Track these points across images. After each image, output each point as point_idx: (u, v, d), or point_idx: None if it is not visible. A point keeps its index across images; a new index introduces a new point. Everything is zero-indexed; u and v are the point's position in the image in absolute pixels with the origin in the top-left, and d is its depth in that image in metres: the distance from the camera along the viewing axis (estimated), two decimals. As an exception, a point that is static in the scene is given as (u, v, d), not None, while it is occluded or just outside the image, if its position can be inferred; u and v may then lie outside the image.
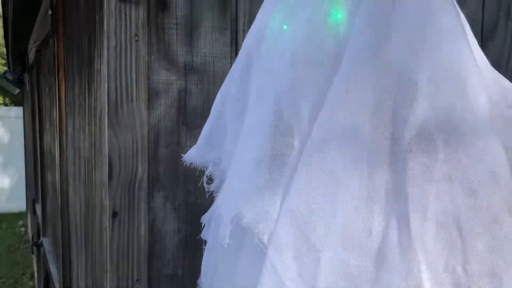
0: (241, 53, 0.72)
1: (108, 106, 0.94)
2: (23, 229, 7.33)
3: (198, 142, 0.74)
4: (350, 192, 0.57)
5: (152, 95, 0.98)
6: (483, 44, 1.39)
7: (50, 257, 2.53)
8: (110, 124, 0.94)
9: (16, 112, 8.46)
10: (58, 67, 1.82)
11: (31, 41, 3.40)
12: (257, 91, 0.66)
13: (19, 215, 8.04)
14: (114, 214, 0.95)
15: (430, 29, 0.61)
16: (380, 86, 0.59)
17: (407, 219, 0.56)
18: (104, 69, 0.95)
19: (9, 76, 5.10)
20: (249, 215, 0.59)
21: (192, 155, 0.75)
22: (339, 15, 0.60)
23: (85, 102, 1.38)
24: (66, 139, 1.80)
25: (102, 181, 1.02)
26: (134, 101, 0.96)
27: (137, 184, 0.96)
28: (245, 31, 1.07)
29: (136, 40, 0.95)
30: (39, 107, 3.01)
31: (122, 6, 0.94)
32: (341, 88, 0.58)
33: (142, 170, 0.96)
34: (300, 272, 0.57)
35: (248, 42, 0.71)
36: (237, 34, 1.06)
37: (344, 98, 0.58)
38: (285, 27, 0.63)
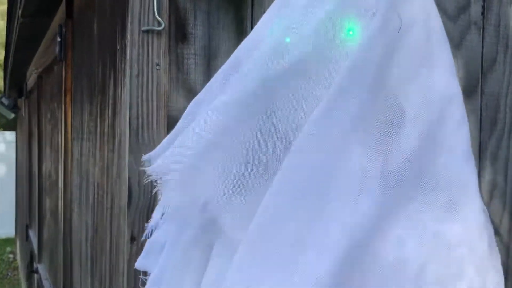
0: (226, 63, 0.74)
1: (129, 132, 0.96)
2: (11, 255, 7.20)
3: None
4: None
5: (170, 122, 1.01)
6: (483, 76, 1.44)
7: (46, 284, 2.50)
8: (131, 151, 0.96)
9: (8, 137, 8.42)
10: (65, 93, 1.84)
11: (31, 67, 3.43)
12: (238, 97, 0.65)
13: (7, 241, 7.90)
14: (132, 239, 0.96)
15: (425, 63, 0.64)
16: (371, 109, 0.60)
17: None
18: (126, 96, 0.98)
19: (5, 101, 5.10)
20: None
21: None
22: (351, 32, 0.61)
23: (96, 128, 1.40)
24: (71, 164, 1.81)
25: (120, 206, 1.03)
26: (155, 128, 0.98)
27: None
28: (260, 62, 1.11)
29: (157, 69, 0.98)
30: (38, 132, 3.02)
31: (145, 36, 0.97)
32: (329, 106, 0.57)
33: (161, 196, 0.98)
34: None
35: (238, 50, 0.72)
36: (252, 64, 1.10)
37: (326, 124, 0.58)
38: (287, 40, 0.64)
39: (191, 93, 1.04)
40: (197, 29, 1.04)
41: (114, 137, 1.15)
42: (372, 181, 0.57)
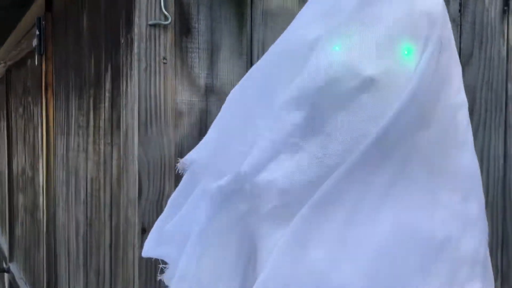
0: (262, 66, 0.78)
1: (138, 125, 0.97)
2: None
3: None
4: None
5: (177, 116, 1.02)
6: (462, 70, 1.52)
7: (21, 283, 2.45)
8: (140, 143, 0.97)
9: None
10: (45, 88, 1.81)
11: (-3, 61, 3.32)
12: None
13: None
14: (143, 230, 0.98)
15: (447, 77, 0.74)
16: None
17: None
18: (135, 90, 0.98)
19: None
20: None
21: None
22: (406, 52, 0.68)
23: (88, 122, 1.40)
24: (55, 160, 1.79)
25: (128, 198, 1.04)
26: (163, 121, 1.00)
27: (164, 201, 0.99)
28: (259, 57, 1.14)
29: (164, 63, 1.00)
30: (7, 128, 2.93)
31: (152, 30, 0.98)
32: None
33: (169, 187, 1.00)
34: None
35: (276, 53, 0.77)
36: (252, 59, 1.13)
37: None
38: (336, 48, 0.69)
39: (194, 86, 1.06)
40: (200, 23, 1.06)
41: (112, 130, 1.15)
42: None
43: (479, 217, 0.75)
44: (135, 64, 0.98)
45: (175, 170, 1.01)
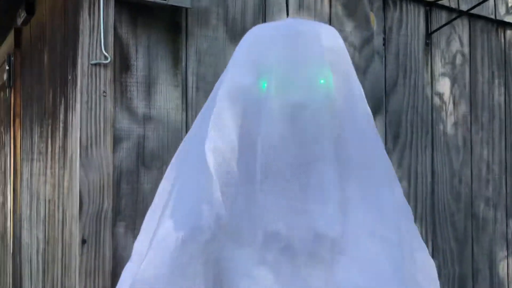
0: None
1: (80, 150, 1.12)
2: None
3: None
4: None
5: (116, 141, 1.18)
6: (386, 97, 1.70)
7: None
8: (81, 165, 1.12)
9: None
10: (14, 118, 1.95)
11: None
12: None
13: None
14: (83, 241, 1.12)
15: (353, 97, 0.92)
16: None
17: None
18: (77, 120, 1.14)
19: None
20: None
21: None
22: (323, 81, 0.85)
23: (47, 149, 1.54)
24: (21, 184, 1.92)
25: (72, 215, 1.18)
26: (102, 146, 1.15)
27: (103, 215, 1.14)
28: (193, 87, 1.31)
29: (104, 96, 1.15)
30: (-18, 157, 3.05)
31: (93, 68, 1.15)
32: None
33: (107, 203, 1.14)
34: None
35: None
36: (187, 90, 1.29)
37: None
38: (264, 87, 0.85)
39: (133, 115, 1.21)
40: (138, 61, 1.23)
41: (65, 156, 1.30)
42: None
43: (404, 201, 0.91)
44: (78, 97, 1.14)
45: (113, 189, 1.16)
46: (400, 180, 1.73)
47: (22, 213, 1.91)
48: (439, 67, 1.85)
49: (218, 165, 0.81)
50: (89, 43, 1.13)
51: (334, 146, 0.82)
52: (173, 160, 0.95)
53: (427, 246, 1.78)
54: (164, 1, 1.15)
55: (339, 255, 0.80)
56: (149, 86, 1.24)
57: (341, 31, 1.59)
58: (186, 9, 1.26)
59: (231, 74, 0.89)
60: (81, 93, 1.13)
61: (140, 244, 0.92)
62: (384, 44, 1.71)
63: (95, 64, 1.14)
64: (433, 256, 1.82)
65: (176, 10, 1.25)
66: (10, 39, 2.05)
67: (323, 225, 0.80)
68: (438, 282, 0.93)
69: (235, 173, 0.82)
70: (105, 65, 1.15)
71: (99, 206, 1.14)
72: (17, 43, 1.93)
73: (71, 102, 1.22)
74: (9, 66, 1.96)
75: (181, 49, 1.29)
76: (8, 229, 2.07)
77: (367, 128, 0.90)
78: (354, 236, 0.81)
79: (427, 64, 1.83)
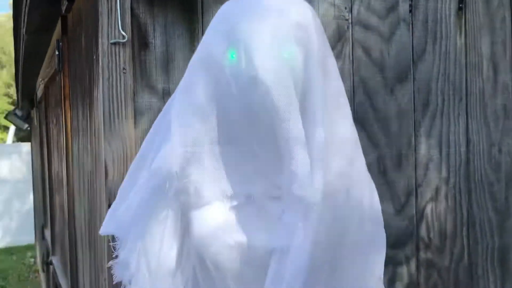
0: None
1: (104, 123, 1.23)
2: (32, 260, 7.56)
3: None
4: None
5: (137, 114, 1.27)
6: (414, 65, 1.68)
7: (59, 272, 2.79)
8: (105, 137, 1.23)
9: (24, 147, 8.80)
10: (64, 99, 2.12)
11: (39, 79, 3.74)
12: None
13: (28, 247, 8.28)
14: (109, 206, 1.23)
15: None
16: None
17: None
18: (100, 95, 1.24)
19: (19, 113, 5.45)
20: None
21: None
22: (288, 55, 0.87)
23: (87, 125, 1.68)
24: (72, 160, 2.09)
25: (101, 182, 1.30)
26: (123, 119, 1.24)
27: (127, 183, 1.24)
28: (211, 62, 1.37)
29: (124, 73, 1.25)
30: (47, 137, 3.32)
31: (112, 47, 1.24)
32: None
33: (131, 172, 1.24)
34: None
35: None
36: (204, 65, 1.36)
37: None
38: (233, 56, 0.89)
39: (154, 91, 1.30)
40: (156, 39, 1.30)
41: (96, 129, 1.41)
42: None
43: (365, 175, 0.94)
44: (100, 74, 1.24)
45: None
46: (430, 148, 1.71)
47: (74, 186, 2.08)
48: (474, 32, 1.79)
49: (181, 125, 0.88)
50: (108, 24, 1.23)
51: (291, 121, 0.83)
52: (160, 113, 1.03)
53: (461, 216, 1.76)
54: (173, -20, 1.21)
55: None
56: (167, 63, 1.31)
57: (362, -1, 1.58)
58: (201, -14, 1.32)
59: (203, 43, 0.94)
60: (103, 71, 1.22)
61: (124, 186, 1.03)
62: (410, 11, 1.67)
63: (114, 43, 1.23)
64: (468, 226, 1.79)
65: (190, -11, 1.31)
66: (58, 26, 2.22)
67: (285, 182, 0.85)
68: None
69: (200, 134, 0.88)
70: (124, 44, 1.24)
71: (123, 175, 1.24)
72: (64, 29, 2.08)
73: (96, 79, 1.32)
74: (58, 51, 2.13)
75: (197, 26, 1.35)
76: (65, 203, 2.27)
77: (331, 106, 0.91)
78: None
79: (460, 30, 1.77)
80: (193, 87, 0.92)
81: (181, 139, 0.90)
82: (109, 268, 1.02)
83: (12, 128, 9.70)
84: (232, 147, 0.89)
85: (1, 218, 8.66)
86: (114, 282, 1.00)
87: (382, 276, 0.99)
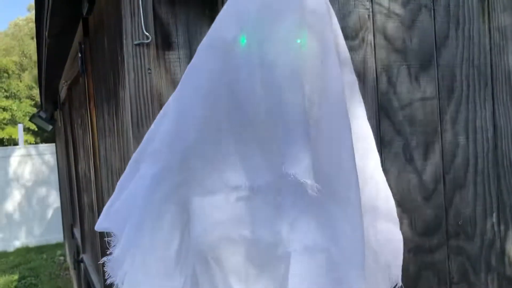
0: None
1: (131, 123, 1.25)
2: (62, 258, 7.73)
3: None
4: None
5: (164, 113, 1.29)
6: (437, 51, 1.66)
7: (91, 270, 2.85)
8: (134, 137, 1.25)
9: (49, 149, 8.97)
10: (89, 100, 2.16)
11: (62, 81, 3.81)
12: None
13: (57, 246, 8.46)
14: (141, 205, 1.25)
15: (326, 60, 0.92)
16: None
17: None
18: (127, 96, 1.26)
19: (43, 115, 5.55)
20: None
21: None
22: (300, 41, 0.84)
23: (114, 125, 1.70)
24: (100, 160, 2.13)
25: (130, 181, 1.32)
26: (151, 119, 1.26)
27: (157, 181, 1.26)
28: (233, 59, 1.37)
29: (149, 73, 1.26)
30: (72, 138, 3.38)
31: (137, 48, 1.26)
32: None
33: (160, 170, 1.26)
34: None
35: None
36: (227, 61, 1.37)
37: None
38: (244, 41, 0.87)
39: (179, 89, 1.31)
40: (179, 39, 1.32)
41: (124, 130, 1.44)
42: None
43: (375, 171, 0.93)
44: (126, 75, 1.26)
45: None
46: (457, 135, 1.69)
47: (102, 186, 2.12)
48: (498, 15, 1.75)
49: (181, 111, 0.86)
50: (131, 25, 1.24)
51: (299, 109, 0.80)
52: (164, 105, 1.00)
53: (491, 202, 1.74)
54: (194, -21, 1.22)
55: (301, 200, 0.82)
56: (190, 61, 1.32)
57: (383, -13, 1.57)
58: (221, -17, 1.33)
59: (214, 27, 0.91)
60: (128, 72, 1.24)
61: (120, 183, 0.98)
62: (432, -4, 1.65)
63: (138, 44, 1.25)
64: (498, 212, 1.77)
65: (210, -14, 1.32)
66: (80, 28, 2.25)
67: (288, 165, 0.80)
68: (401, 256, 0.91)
69: (203, 121, 0.85)
70: (148, 45, 1.26)
71: (152, 173, 1.26)
72: (86, 31, 2.11)
73: (122, 80, 1.34)
74: (81, 53, 2.16)
75: (219, 22, 1.36)
76: (94, 202, 2.31)
77: (339, 96, 0.86)
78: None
79: (483, 14, 1.74)
80: (199, 70, 0.88)
81: (182, 127, 0.86)
82: (103, 266, 0.95)
83: (21, 129, 9.85)
84: (237, 136, 0.84)
85: (31, 218, 8.87)
86: (106, 283, 0.93)
87: (399, 280, 0.96)
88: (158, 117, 1.01)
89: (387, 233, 0.93)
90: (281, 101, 0.81)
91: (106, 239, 0.96)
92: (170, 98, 1.00)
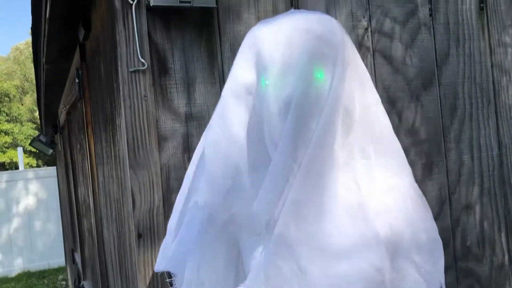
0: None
1: (128, 152, 1.22)
2: (64, 282, 7.63)
3: None
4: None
5: (161, 140, 1.26)
6: (438, 69, 1.63)
7: (91, 297, 2.79)
8: (130, 166, 1.22)
9: (50, 172, 8.94)
10: (86, 125, 2.13)
11: (61, 106, 3.79)
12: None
13: (59, 270, 8.37)
14: (139, 236, 1.21)
15: (359, 84, 0.92)
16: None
17: None
18: (123, 124, 1.23)
19: (43, 139, 5.53)
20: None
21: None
22: (319, 75, 0.86)
23: (111, 152, 1.67)
24: (98, 186, 2.10)
25: (128, 211, 1.28)
26: (148, 146, 1.23)
27: (155, 211, 1.23)
28: (231, 83, 1.35)
29: (145, 100, 1.24)
30: (72, 163, 3.35)
31: (133, 75, 1.23)
32: None
33: (158, 200, 1.23)
34: None
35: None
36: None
37: None
38: (264, 83, 0.88)
39: (176, 115, 1.29)
40: (175, 64, 1.29)
41: (120, 157, 1.40)
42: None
43: (411, 187, 0.91)
44: (122, 103, 1.23)
45: (162, 185, 1.25)
46: (462, 154, 1.66)
47: (101, 212, 2.08)
48: (498, 32, 1.74)
49: (217, 157, 0.87)
50: (127, 52, 1.22)
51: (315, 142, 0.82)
52: (198, 145, 1.03)
53: (499, 222, 1.69)
54: (189, 4, 1.20)
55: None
56: (188, 86, 1.30)
57: (380, 6, 1.55)
58: (216, 7, 1.31)
59: (234, 72, 0.93)
60: (124, 99, 1.22)
61: (172, 223, 1.03)
62: (431, 15, 1.63)
63: (134, 71, 1.22)
64: (507, 231, 1.72)
65: (205, 10, 1.30)
66: (77, 54, 2.24)
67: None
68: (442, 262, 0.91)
69: (238, 163, 0.87)
70: (143, 71, 1.24)
71: (150, 202, 1.23)
72: (82, 57, 2.10)
73: (118, 108, 1.32)
74: (78, 79, 2.14)
75: (215, 47, 1.34)
76: (93, 228, 2.27)
77: (372, 120, 0.91)
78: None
79: (483, 30, 1.72)
80: (226, 116, 0.91)
81: (220, 170, 0.89)
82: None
83: (21, 152, 9.86)
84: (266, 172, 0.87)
85: (31, 241, 8.80)
86: None
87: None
88: (196, 151, 1.03)
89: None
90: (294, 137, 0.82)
91: (167, 280, 1.04)
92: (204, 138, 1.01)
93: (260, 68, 0.89)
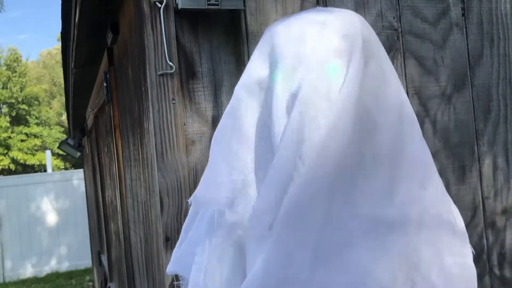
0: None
1: (156, 155, 1.22)
2: (90, 283, 7.74)
3: None
4: None
5: (189, 144, 1.25)
6: (471, 70, 1.59)
7: (118, 299, 2.81)
8: (159, 169, 1.21)
9: (77, 174, 9.10)
10: (114, 129, 2.15)
11: (89, 109, 3.85)
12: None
13: (86, 271, 8.50)
14: (167, 239, 1.21)
15: (382, 83, 0.86)
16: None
17: None
18: (151, 127, 1.23)
19: (71, 142, 5.63)
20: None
21: None
22: (333, 70, 0.82)
23: (139, 155, 1.68)
24: (125, 189, 2.11)
25: (156, 214, 1.28)
26: (176, 150, 1.23)
27: (183, 214, 1.22)
28: (259, 85, 1.34)
29: (173, 103, 1.24)
30: (99, 166, 3.39)
31: (161, 78, 1.23)
32: None
33: (186, 203, 1.22)
34: None
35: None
36: (253, 89, 1.33)
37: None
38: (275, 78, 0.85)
39: (203, 119, 1.28)
40: (203, 67, 1.29)
41: (148, 161, 1.41)
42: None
43: (437, 199, 0.86)
44: (150, 107, 1.23)
45: (190, 188, 1.24)
46: (495, 157, 1.61)
47: (128, 215, 2.10)
48: (534, 30, 1.68)
49: (224, 153, 0.85)
50: (155, 56, 1.22)
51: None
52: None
53: (534, 227, 1.63)
54: (217, 6, 1.19)
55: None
56: (215, 89, 1.29)
57: (411, 6, 1.51)
58: (244, 9, 1.30)
59: (247, 67, 0.90)
60: (152, 103, 1.22)
61: (184, 226, 1.00)
62: (463, 14, 1.59)
63: (162, 75, 1.22)
64: (544, 238, 1.66)
65: (233, 13, 1.29)
66: (104, 58, 2.26)
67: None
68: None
69: (245, 162, 0.84)
70: (171, 75, 1.23)
71: (178, 206, 1.22)
72: (110, 61, 2.12)
73: (146, 111, 1.32)
74: (106, 83, 2.16)
75: (243, 50, 1.33)
76: (120, 230, 2.29)
77: (397, 123, 0.83)
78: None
79: (518, 29, 1.66)
80: (236, 112, 0.88)
81: (226, 168, 0.86)
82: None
83: (49, 155, 10.06)
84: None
85: (60, 243, 8.96)
86: None
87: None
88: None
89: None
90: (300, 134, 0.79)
91: (175, 283, 1.01)
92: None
93: (273, 62, 0.85)
